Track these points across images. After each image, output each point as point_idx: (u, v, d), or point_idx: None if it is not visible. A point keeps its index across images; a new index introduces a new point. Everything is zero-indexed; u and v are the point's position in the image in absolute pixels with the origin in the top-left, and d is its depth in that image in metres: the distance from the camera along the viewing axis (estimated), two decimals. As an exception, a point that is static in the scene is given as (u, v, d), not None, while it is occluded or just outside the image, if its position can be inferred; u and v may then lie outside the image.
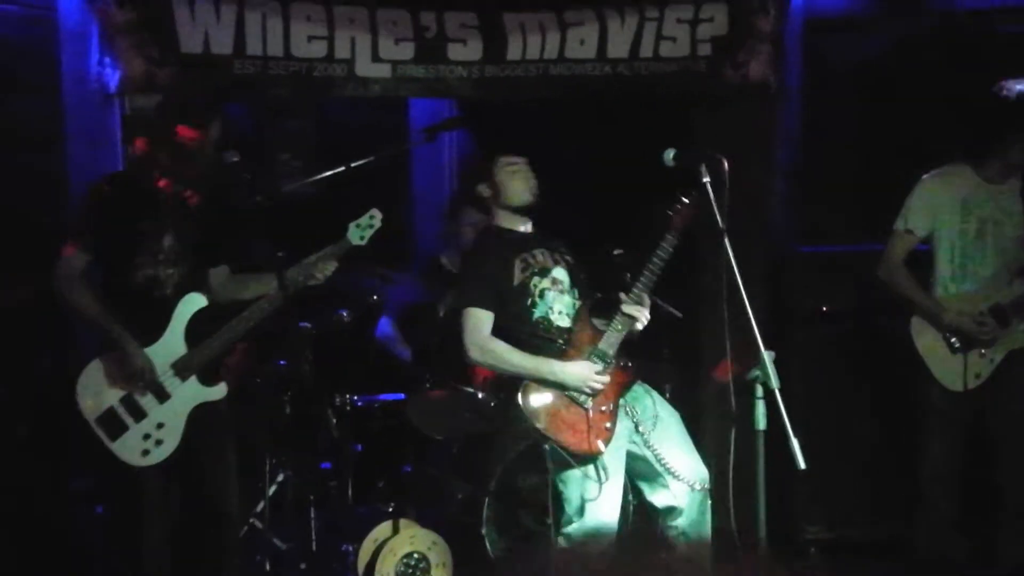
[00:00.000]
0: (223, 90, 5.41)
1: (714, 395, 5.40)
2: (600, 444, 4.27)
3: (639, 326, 4.34)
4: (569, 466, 4.30)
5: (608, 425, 4.31)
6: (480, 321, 4.36)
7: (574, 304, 4.45)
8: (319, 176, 5.09)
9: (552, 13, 5.79)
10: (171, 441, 4.20)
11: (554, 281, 4.45)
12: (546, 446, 4.31)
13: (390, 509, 5.31)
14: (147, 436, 4.16)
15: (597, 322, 4.39)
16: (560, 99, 5.94)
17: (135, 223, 4.19)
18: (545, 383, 4.29)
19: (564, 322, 4.41)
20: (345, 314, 5.30)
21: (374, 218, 4.43)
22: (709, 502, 4.42)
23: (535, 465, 5.15)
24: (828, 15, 6.20)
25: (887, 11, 6.19)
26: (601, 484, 4.28)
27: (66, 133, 5.50)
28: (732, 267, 3.77)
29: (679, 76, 5.93)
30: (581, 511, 4.35)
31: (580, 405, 4.29)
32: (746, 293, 3.75)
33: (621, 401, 4.38)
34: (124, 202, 4.20)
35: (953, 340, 4.86)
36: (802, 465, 3.44)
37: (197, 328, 4.25)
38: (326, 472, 5.48)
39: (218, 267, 4.46)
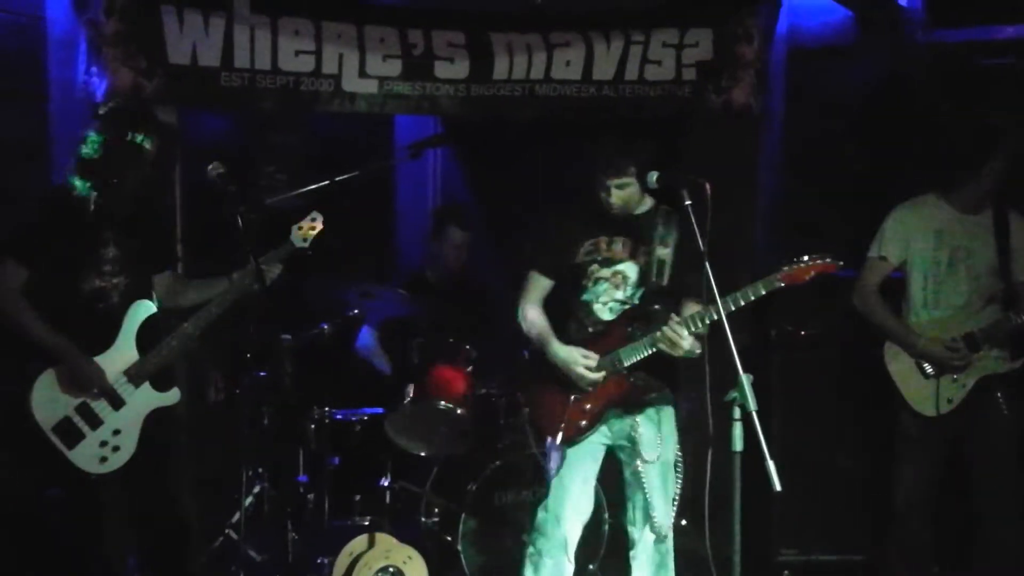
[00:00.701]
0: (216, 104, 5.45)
1: (691, 417, 5.43)
2: (566, 436, 4.30)
3: (676, 355, 4.16)
4: (535, 443, 4.44)
5: (583, 424, 4.32)
6: (534, 285, 4.52)
7: (625, 302, 4.37)
8: (304, 190, 5.11)
9: (539, 34, 5.85)
10: (128, 447, 4.23)
11: (615, 274, 4.38)
12: (524, 418, 4.49)
13: (366, 523, 5.30)
14: (104, 443, 4.19)
15: (632, 329, 4.31)
16: (545, 119, 5.98)
17: (76, 236, 4.19)
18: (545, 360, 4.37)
19: (606, 315, 4.37)
20: (326, 327, 5.31)
21: (315, 220, 4.52)
22: (671, 550, 4.42)
23: (512, 481, 5.21)
24: (811, 44, 6.30)
25: (869, 42, 6.26)
26: (555, 471, 4.35)
27: (51, 141, 5.49)
28: (712, 289, 3.80)
29: (663, 99, 6.00)
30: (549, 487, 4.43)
31: (564, 394, 4.32)
32: (725, 315, 3.79)
33: (629, 415, 4.35)
34: (64, 215, 4.20)
35: (925, 366, 4.90)
36: (778, 487, 3.44)
37: (147, 335, 4.28)
38: (303, 485, 5.47)
39: (162, 274, 4.50)
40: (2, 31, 5.34)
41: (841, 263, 4.13)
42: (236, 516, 5.25)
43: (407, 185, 7.60)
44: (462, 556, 5.09)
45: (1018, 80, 5.95)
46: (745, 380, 3.58)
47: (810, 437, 5.56)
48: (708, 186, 3.89)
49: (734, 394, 3.60)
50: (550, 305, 4.55)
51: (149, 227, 4.40)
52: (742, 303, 4.04)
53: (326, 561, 5.14)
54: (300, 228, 4.50)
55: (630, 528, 4.44)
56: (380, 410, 5.54)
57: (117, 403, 4.22)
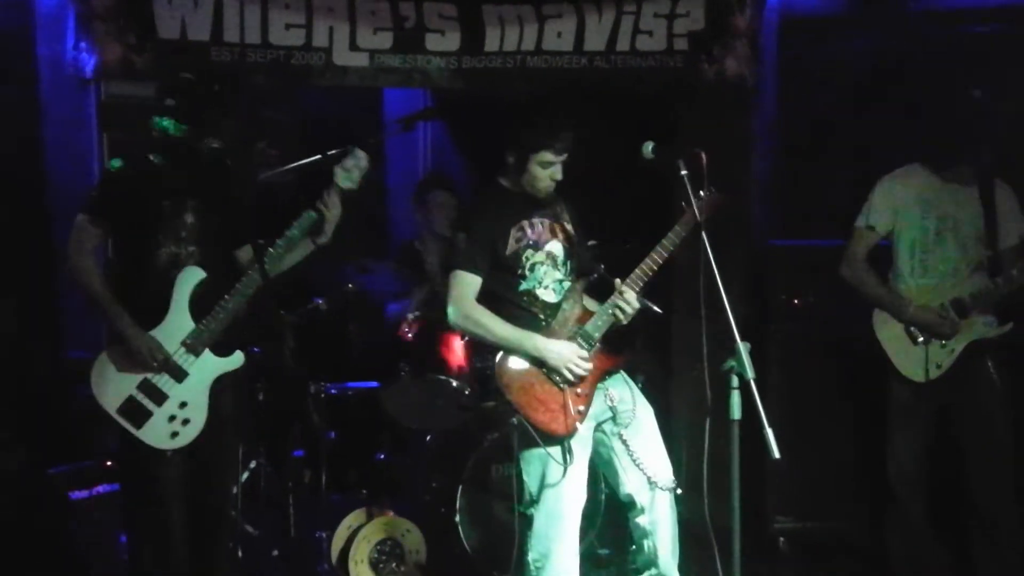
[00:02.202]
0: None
1: (688, 385, 5.44)
2: (570, 426, 4.21)
3: (623, 320, 4.25)
4: (535, 445, 4.24)
5: (582, 408, 4.26)
6: (466, 285, 4.28)
7: (563, 280, 4.39)
8: (295, 164, 5.09)
9: (530, 6, 5.81)
10: (198, 419, 4.11)
11: (548, 255, 4.37)
12: (514, 419, 4.25)
13: (364, 497, 5.32)
14: (172, 418, 4.07)
15: (590, 303, 4.33)
16: (536, 91, 5.95)
17: (156, 202, 4.11)
18: (526, 357, 4.24)
19: (550, 297, 4.34)
20: (321, 303, 5.29)
21: (360, 159, 4.24)
22: (674, 503, 4.42)
23: (508, 454, 5.20)
24: (804, 14, 6.25)
25: (863, 12, 6.24)
26: (565, 468, 4.22)
27: (42, 118, 5.48)
28: (709, 259, 3.80)
29: (655, 70, 5.97)
30: (540, 494, 4.29)
31: (555, 384, 4.24)
32: (722, 285, 3.79)
33: (600, 386, 4.34)
34: (144, 182, 4.13)
35: (913, 331, 4.92)
36: (776, 455, 3.46)
37: (201, 302, 4.14)
38: (299, 460, 5.47)
39: (244, 247, 4.36)
40: (-11, 8, 5.32)
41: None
42: (233, 491, 5.23)
43: (398, 159, 7.59)
44: (460, 529, 5.09)
45: (1006, 48, 5.94)
46: (743, 348, 3.60)
47: (805, 406, 5.57)
48: (704, 156, 3.89)
49: (732, 363, 3.62)
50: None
51: (231, 202, 4.28)
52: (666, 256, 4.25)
53: (324, 535, 5.15)
54: (346, 169, 4.23)
55: (635, 496, 4.38)
56: (376, 384, 5.54)
57: (179, 375, 4.10)
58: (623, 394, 4.40)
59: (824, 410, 5.63)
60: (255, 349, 5.36)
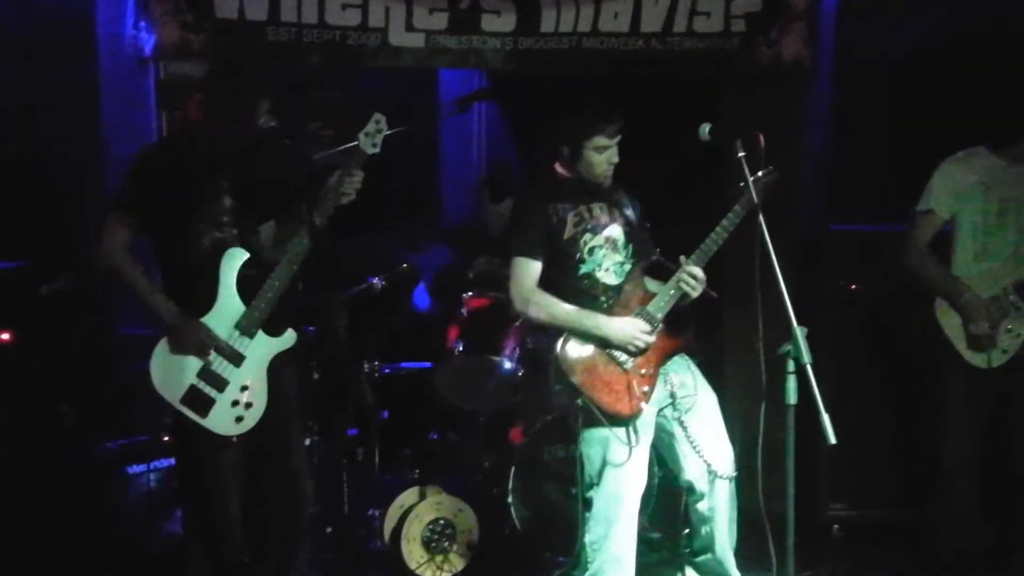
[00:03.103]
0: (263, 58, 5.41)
1: (743, 370, 5.42)
2: (635, 407, 4.20)
3: (693, 295, 4.23)
4: (598, 425, 4.22)
5: (646, 389, 4.24)
6: (527, 271, 4.29)
7: (624, 263, 4.38)
8: (348, 145, 5.09)
9: (587, -15, 5.79)
10: (259, 401, 4.08)
11: (607, 239, 4.36)
12: (579, 401, 4.23)
13: (416, 476, 5.34)
14: (235, 403, 4.02)
15: (651, 284, 4.32)
16: (591, 73, 5.93)
17: (193, 187, 4.04)
18: (588, 337, 4.23)
19: (611, 279, 4.34)
20: (376, 281, 5.30)
21: (379, 122, 4.17)
22: (734, 490, 4.41)
23: (560, 436, 5.21)
24: (862, -2, 6.19)
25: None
26: (631, 449, 4.20)
27: (101, 98, 5.53)
28: (766, 242, 3.78)
29: (712, 52, 5.93)
30: (600, 475, 4.28)
31: (619, 365, 4.23)
32: (779, 268, 3.75)
33: (662, 369, 4.33)
34: (178, 167, 4.05)
35: (975, 327, 4.84)
36: (833, 440, 3.44)
37: (248, 283, 4.09)
38: (352, 438, 5.50)
39: (266, 223, 4.31)
40: (52, -12, 5.37)
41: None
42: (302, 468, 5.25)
43: (451, 141, 7.59)
44: (511, 510, 5.11)
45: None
46: (800, 333, 3.58)
47: (859, 393, 5.53)
48: (762, 138, 3.86)
49: (788, 347, 3.60)
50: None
51: (263, 176, 4.23)
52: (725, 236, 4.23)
53: (377, 513, 5.18)
54: (367, 133, 4.14)
55: (695, 483, 4.39)
56: (429, 364, 5.56)
57: (236, 359, 4.04)
58: (684, 379, 4.39)
59: (877, 397, 5.58)
60: (309, 329, 5.39)
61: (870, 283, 5.63)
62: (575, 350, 4.24)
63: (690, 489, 4.42)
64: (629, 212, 4.46)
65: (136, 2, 5.37)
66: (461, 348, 5.35)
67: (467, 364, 5.38)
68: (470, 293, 5.55)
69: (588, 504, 4.34)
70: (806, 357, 3.54)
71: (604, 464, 4.26)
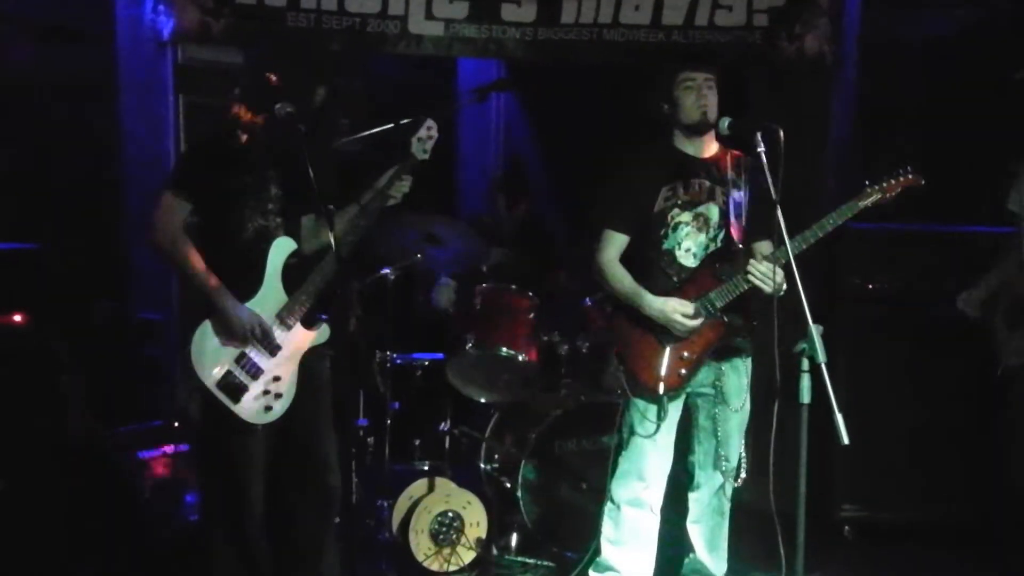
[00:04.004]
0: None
1: (757, 367, 5.37)
2: (667, 386, 4.23)
3: (767, 291, 4.10)
4: (631, 394, 4.31)
5: (683, 372, 4.24)
6: (611, 242, 4.34)
7: (708, 246, 4.32)
8: (367, 133, 5.07)
9: (609, -23, 5.75)
10: (288, 393, 4.07)
11: (697, 216, 4.30)
12: (620, 369, 4.33)
13: (426, 467, 5.33)
14: (266, 392, 4.02)
15: (721, 271, 4.24)
16: (611, 65, 5.90)
17: (242, 175, 4.04)
18: (640, 312, 4.26)
19: (689, 261, 4.30)
20: (389, 272, 5.28)
21: (431, 129, 4.20)
22: (730, 499, 4.43)
23: (573, 430, 5.19)
24: (887, -8, 6.14)
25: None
26: (659, 424, 4.26)
27: (119, 81, 5.52)
28: (784, 239, 3.74)
29: (734, 46, 5.89)
30: (628, 441, 4.35)
31: (661, 344, 4.23)
32: (796, 266, 3.72)
33: (717, 363, 4.32)
34: (228, 154, 4.05)
35: None
36: (846, 440, 3.39)
37: (291, 274, 4.10)
38: (363, 428, 5.48)
39: (307, 215, 4.29)
40: (71, -30, 5.37)
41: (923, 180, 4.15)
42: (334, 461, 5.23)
43: (470, 130, 7.57)
44: (521, 503, 5.09)
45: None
46: (815, 331, 3.52)
47: (874, 393, 5.48)
48: (782, 132, 3.81)
49: (803, 345, 3.55)
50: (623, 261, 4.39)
51: (307, 167, 4.13)
52: (829, 230, 4.10)
53: (386, 504, 5.16)
54: (420, 140, 4.18)
55: (697, 471, 4.42)
56: (441, 356, 5.54)
57: (273, 349, 4.04)
58: (736, 383, 4.36)
59: (893, 397, 5.53)
60: (323, 316, 5.36)
61: (888, 281, 5.57)
62: (624, 322, 4.33)
63: (691, 476, 4.45)
64: (737, 194, 4.33)
65: (156, -15, 5.36)
66: (473, 340, 5.31)
67: (480, 356, 5.35)
68: (484, 285, 5.51)
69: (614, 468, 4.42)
70: (821, 356, 3.49)
71: (632, 432, 4.34)
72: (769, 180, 3.84)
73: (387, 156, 4.46)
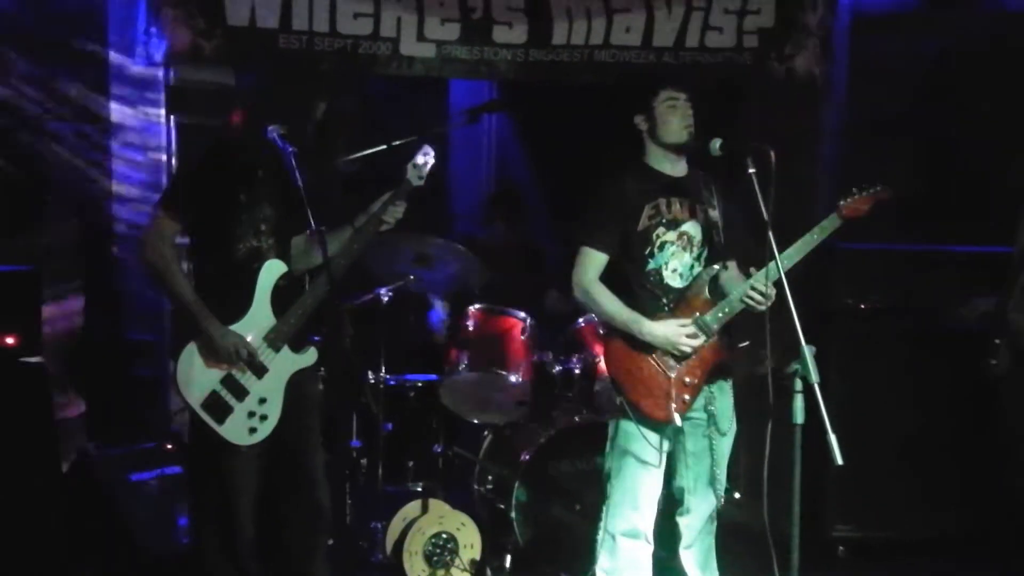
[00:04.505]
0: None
1: (750, 388, 5.37)
2: (673, 414, 4.12)
3: (760, 310, 4.05)
4: (632, 424, 4.16)
5: (687, 398, 4.16)
6: (591, 262, 4.22)
7: (694, 265, 4.26)
8: (360, 154, 5.09)
9: (599, -1, 5.78)
10: (274, 414, 4.07)
11: (681, 235, 4.24)
12: (618, 400, 4.17)
13: (420, 489, 5.31)
14: (251, 414, 4.02)
15: (714, 291, 4.20)
16: (603, 85, 5.92)
17: (235, 194, 4.05)
18: (635, 337, 4.14)
19: (676, 282, 4.22)
20: (382, 292, 5.27)
21: (428, 155, 4.20)
22: (715, 523, 4.38)
23: (567, 451, 5.18)
24: (876, 12, 6.17)
25: (935, 10, 6.14)
26: (661, 454, 4.17)
27: (110, 101, 5.53)
28: (776, 260, 3.74)
29: (724, 67, 5.92)
30: (621, 468, 4.21)
31: (663, 370, 4.14)
32: (791, 265, 3.78)
33: (707, 388, 4.23)
34: (222, 174, 4.06)
35: None
36: (839, 461, 3.40)
37: (280, 296, 4.11)
38: (356, 450, 5.47)
39: (298, 236, 4.29)
40: (65, -9, 5.37)
41: (891, 192, 4.13)
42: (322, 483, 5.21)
43: (462, 151, 7.59)
44: (515, 524, 5.07)
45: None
46: (808, 352, 3.53)
47: (867, 412, 5.48)
48: (772, 154, 3.82)
49: (796, 365, 3.55)
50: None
51: (297, 187, 4.13)
52: (812, 246, 4.06)
53: (379, 526, 5.15)
54: (415, 165, 4.18)
55: (687, 497, 4.32)
56: (434, 377, 5.53)
57: (260, 371, 4.04)
58: (725, 406, 4.31)
59: (885, 417, 5.53)
60: (315, 337, 5.36)
61: (879, 301, 5.59)
62: (620, 349, 4.20)
63: (680, 500, 4.37)
64: (714, 212, 4.30)
65: (148, 7, 5.36)
66: (466, 361, 5.32)
67: (473, 377, 5.35)
68: (476, 306, 5.52)
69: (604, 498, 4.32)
70: (814, 376, 3.49)
71: (628, 460, 4.21)
72: (760, 201, 3.86)
73: (383, 176, 4.47)
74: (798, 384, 3.56)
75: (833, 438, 3.42)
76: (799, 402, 3.55)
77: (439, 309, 6.03)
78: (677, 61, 5.88)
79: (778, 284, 3.73)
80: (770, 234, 3.79)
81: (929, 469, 5.49)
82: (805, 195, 5.86)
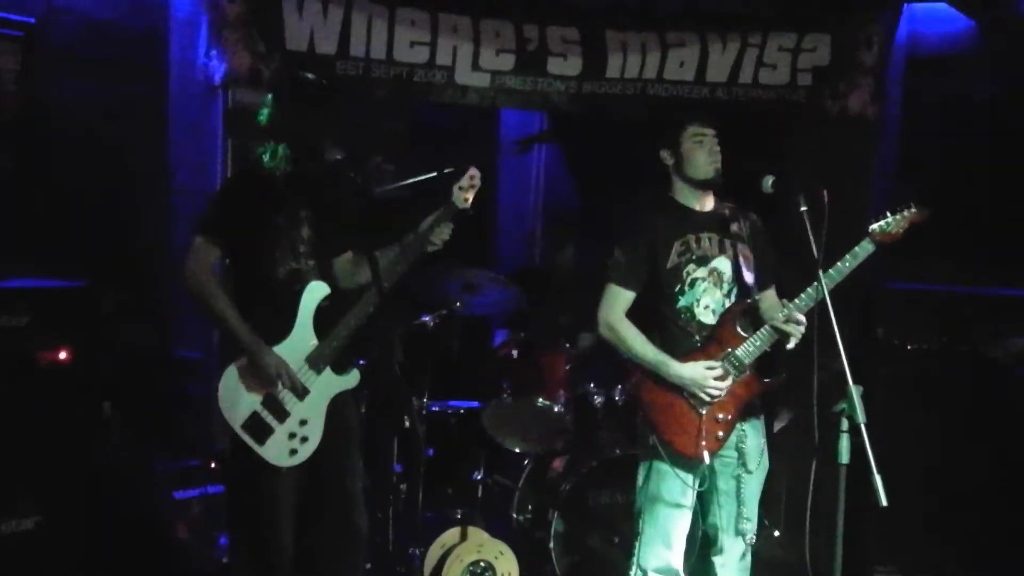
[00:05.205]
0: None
1: (794, 425, 5.35)
2: (706, 452, 4.11)
3: (792, 342, 4.07)
4: (665, 463, 4.15)
5: (721, 435, 4.15)
6: (617, 299, 4.22)
7: (725, 302, 4.25)
8: (411, 180, 5.12)
9: (654, 33, 5.82)
10: (315, 436, 4.09)
11: (711, 272, 4.23)
12: (651, 439, 4.15)
13: (459, 515, 5.31)
14: (292, 435, 4.04)
15: (742, 327, 4.17)
16: (656, 119, 5.93)
17: (273, 216, 4.07)
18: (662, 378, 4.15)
19: (708, 318, 4.21)
20: (428, 320, 5.30)
21: (474, 178, 4.20)
22: (750, 557, 4.34)
23: (606, 482, 5.18)
24: (931, 53, 6.16)
25: (991, 52, 6.11)
26: (694, 493, 4.16)
27: (169, 121, 5.59)
28: (826, 299, 3.74)
29: (777, 104, 5.92)
30: (653, 508, 4.20)
31: (694, 408, 4.13)
32: (829, 290, 3.75)
33: (737, 424, 4.20)
34: (260, 196, 4.08)
35: None
36: (884, 502, 3.38)
37: (323, 317, 4.13)
38: (397, 474, 5.48)
39: (343, 255, 4.32)
40: (128, 10, 5.44)
41: (928, 212, 4.07)
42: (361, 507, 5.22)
43: (510, 179, 7.61)
44: (553, 554, 5.07)
45: None
46: (855, 391, 3.51)
47: (910, 453, 5.43)
48: (825, 192, 3.81)
49: (842, 405, 3.54)
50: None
51: (341, 207, 4.23)
52: (844, 274, 4.03)
53: (418, 552, 5.15)
54: (462, 188, 4.18)
55: (721, 535, 4.31)
56: (476, 404, 5.55)
57: (301, 392, 4.07)
58: (756, 443, 4.28)
59: (931, 457, 5.48)
60: (360, 361, 5.39)
61: (925, 342, 5.54)
62: (651, 387, 4.18)
63: (714, 539, 4.35)
64: (742, 246, 4.28)
65: (209, 30, 5.43)
66: (509, 389, 5.33)
67: (515, 406, 5.36)
68: (521, 335, 5.53)
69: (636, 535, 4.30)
70: (860, 416, 3.48)
71: (660, 499, 4.20)
72: (812, 240, 3.85)
73: (429, 203, 4.50)
74: (844, 424, 3.55)
75: (878, 479, 3.40)
76: (845, 442, 3.53)
77: (503, 333, 6.03)
78: (730, 97, 5.89)
79: (826, 322, 3.71)
80: (820, 272, 3.80)
81: (971, 512, 5.42)
82: (856, 234, 5.83)
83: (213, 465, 5.09)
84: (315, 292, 4.12)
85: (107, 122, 5.40)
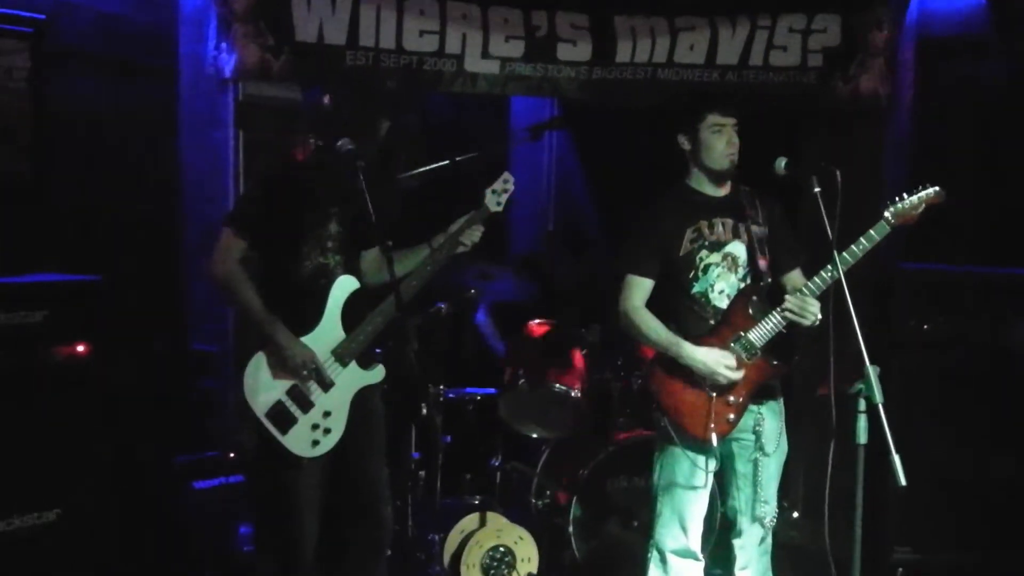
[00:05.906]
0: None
1: (811, 407, 5.34)
2: (717, 434, 4.13)
3: (805, 324, 4.07)
4: (677, 446, 4.19)
5: (731, 417, 4.16)
6: (636, 288, 4.24)
7: (740, 286, 4.25)
8: (422, 170, 5.12)
9: (663, 18, 5.80)
10: (338, 428, 4.12)
11: (725, 256, 4.24)
12: (663, 422, 4.18)
13: (477, 502, 5.34)
14: (315, 426, 4.08)
15: (753, 309, 4.17)
16: (669, 106, 5.92)
17: (301, 212, 4.12)
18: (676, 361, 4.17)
19: (723, 303, 4.21)
20: (443, 307, 5.31)
21: (508, 182, 4.30)
22: (770, 542, 4.37)
23: (624, 468, 5.19)
24: (942, 34, 6.12)
25: (1003, 32, 6.08)
26: (708, 475, 4.19)
27: (179, 116, 5.60)
28: (841, 280, 3.74)
29: (788, 86, 5.91)
30: (669, 491, 4.25)
31: (705, 392, 4.14)
32: (845, 270, 3.77)
33: (753, 407, 4.23)
34: (288, 192, 4.13)
35: None
36: (903, 482, 3.38)
37: (351, 311, 4.17)
38: (415, 461, 5.50)
39: (370, 249, 4.36)
40: (136, 5, 5.44)
41: (945, 193, 4.05)
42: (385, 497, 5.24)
43: (522, 168, 7.59)
44: (572, 539, 5.09)
45: None
46: (872, 372, 3.52)
47: (927, 435, 5.43)
48: (839, 174, 3.81)
49: (860, 386, 3.54)
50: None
51: (363, 204, 4.15)
52: (860, 256, 4.01)
53: (437, 538, 5.18)
54: (494, 191, 4.30)
55: (739, 518, 4.35)
56: (493, 391, 5.56)
57: (327, 384, 4.11)
58: (773, 426, 4.29)
59: (947, 439, 5.47)
60: (377, 350, 5.41)
61: (942, 323, 5.53)
62: (663, 372, 4.21)
63: (733, 522, 4.39)
64: (758, 229, 4.29)
65: (218, 23, 5.42)
66: (526, 376, 5.34)
67: (532, 392, 5.37)
68: (536, 321, 5.54)
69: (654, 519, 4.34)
70: (878, 397, 3.48)
71: (676, 482, 4.24)
72: (826, 221, 3.85)
73: (446, 192, 4.51)
74: (862, 404, 3.55)
75: (897, 459, 3.41)
76: (862, 422, 3.54)
77: (484, 312, 6.05)
78: (740, 80, 5.87)
79: (842, 304, 3.71)
80: (835, 253, 3.80)
81: (991, 493, 5.41)
82: (868, 216, 5.82)
83: (232, 455, 5.10)
84: (344, 286, 4.17)
85: (118, 116, 5.41)
